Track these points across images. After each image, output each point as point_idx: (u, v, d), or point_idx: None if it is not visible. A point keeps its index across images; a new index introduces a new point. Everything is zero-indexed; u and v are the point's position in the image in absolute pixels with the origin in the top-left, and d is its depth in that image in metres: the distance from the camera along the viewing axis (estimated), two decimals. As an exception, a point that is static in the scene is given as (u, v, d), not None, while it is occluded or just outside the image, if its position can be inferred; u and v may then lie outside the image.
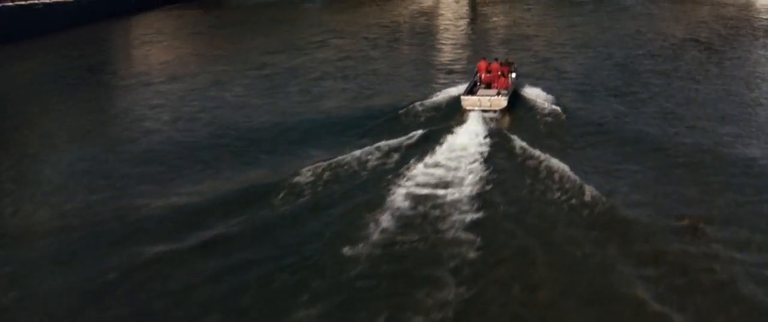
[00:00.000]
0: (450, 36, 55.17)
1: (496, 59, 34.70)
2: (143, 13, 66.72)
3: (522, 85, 34.46)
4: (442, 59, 45.41)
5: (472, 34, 56.33)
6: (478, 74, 33.78)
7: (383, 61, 44.84)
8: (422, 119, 30.31)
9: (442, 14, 67.43)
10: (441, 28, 59.21)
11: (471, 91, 32.19)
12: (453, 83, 35.60)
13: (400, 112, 31.25)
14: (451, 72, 40.58)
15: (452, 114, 30.70)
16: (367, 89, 37.10)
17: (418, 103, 32.03)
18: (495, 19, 63.75)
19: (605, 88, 35.78)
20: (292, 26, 59.71)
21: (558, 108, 31.16)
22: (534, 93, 33.52)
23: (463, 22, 61.81)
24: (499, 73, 33.30)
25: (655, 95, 34.53)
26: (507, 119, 30.66)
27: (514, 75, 34.12)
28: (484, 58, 34.92)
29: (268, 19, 63.70)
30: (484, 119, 29.39)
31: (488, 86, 32.76)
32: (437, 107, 31.85)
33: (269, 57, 46.72)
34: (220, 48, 51.05)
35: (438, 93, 33.63)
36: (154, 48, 52.07)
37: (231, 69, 43.51)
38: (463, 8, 71.71)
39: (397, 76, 40.21)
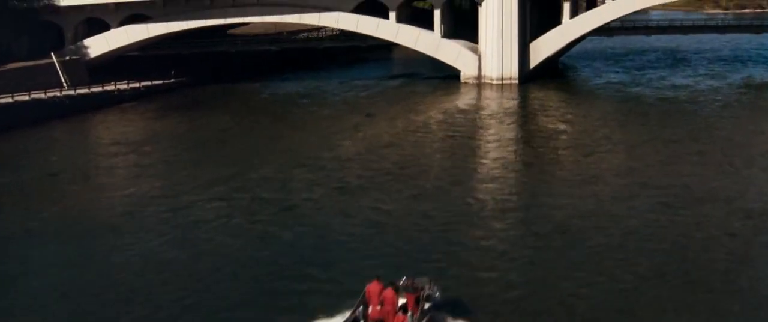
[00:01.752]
0: (405, 193, 36.85)
1: (392, 283, 22.13)
2: (89, 113, 61.30)
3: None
4: (348, 258, 28.61)
5: (447, 179, 40.02)
6: (363, 306, 21.35)
7: (242, 271, 27.49)
8: None
9: (455, 129, 54.87)
10: (411, 168, 42.21)
11: None
12: (335, 313, 22.87)
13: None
14: (342, 294, 24.81)
15: None
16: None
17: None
18: (503, 146, 49.47)
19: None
20: (222, 155, 47.67)
21: None
22: None
23: (447, 157, 45.79)
24: (399, 304, 22.57)
25: None
26: None
27: (428, 305, 23.37)
28: (378, 278, 22.65)
29: (209, 141, 52.34)
30: None
31: None
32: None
33: (96, 239, 30.90)
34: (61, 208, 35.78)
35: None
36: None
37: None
38: (499, 115, 59.12)
39: (234, 304, 24.99)
